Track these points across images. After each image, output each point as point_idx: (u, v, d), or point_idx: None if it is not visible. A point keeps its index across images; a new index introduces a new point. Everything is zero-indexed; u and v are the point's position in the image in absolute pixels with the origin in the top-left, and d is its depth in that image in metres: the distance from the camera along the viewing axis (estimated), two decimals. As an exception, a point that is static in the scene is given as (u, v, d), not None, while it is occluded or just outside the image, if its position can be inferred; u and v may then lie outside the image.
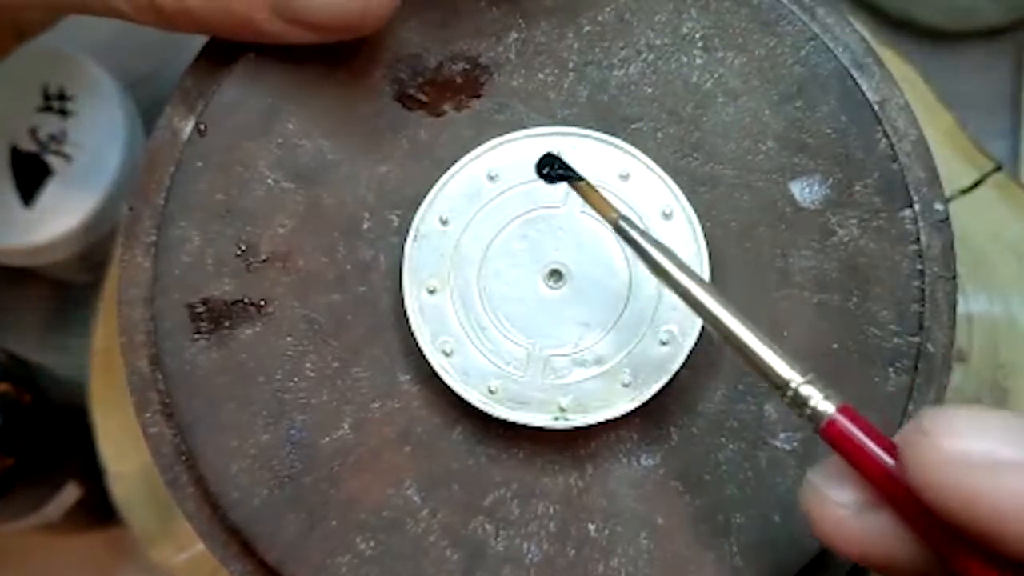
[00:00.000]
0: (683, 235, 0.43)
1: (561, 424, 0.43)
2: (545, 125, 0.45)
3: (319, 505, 0.44)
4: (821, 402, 0.36)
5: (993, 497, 0.32)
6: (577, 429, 0.43)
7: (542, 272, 0.44)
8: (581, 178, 0.43)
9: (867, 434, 0.35)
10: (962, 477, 0.32)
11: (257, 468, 0.44)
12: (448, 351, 0.43)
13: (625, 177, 0.44)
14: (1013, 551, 0.32)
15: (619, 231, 0.41)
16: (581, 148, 0.44)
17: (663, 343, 0.43)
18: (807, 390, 0.36)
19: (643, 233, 0.40)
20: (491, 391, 0.43)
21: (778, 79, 0.45)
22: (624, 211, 0.42)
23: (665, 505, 0.44)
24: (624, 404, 0.43)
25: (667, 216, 0.43)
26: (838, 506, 0.36)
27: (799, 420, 0.36)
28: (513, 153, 0.44)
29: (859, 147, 0.45)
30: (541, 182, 0.44)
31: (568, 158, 0.44)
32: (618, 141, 0.44)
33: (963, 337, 0.63)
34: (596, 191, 0.43)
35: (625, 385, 0.43)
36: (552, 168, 0.44)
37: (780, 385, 0.36)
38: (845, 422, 0.35)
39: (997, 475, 0.32)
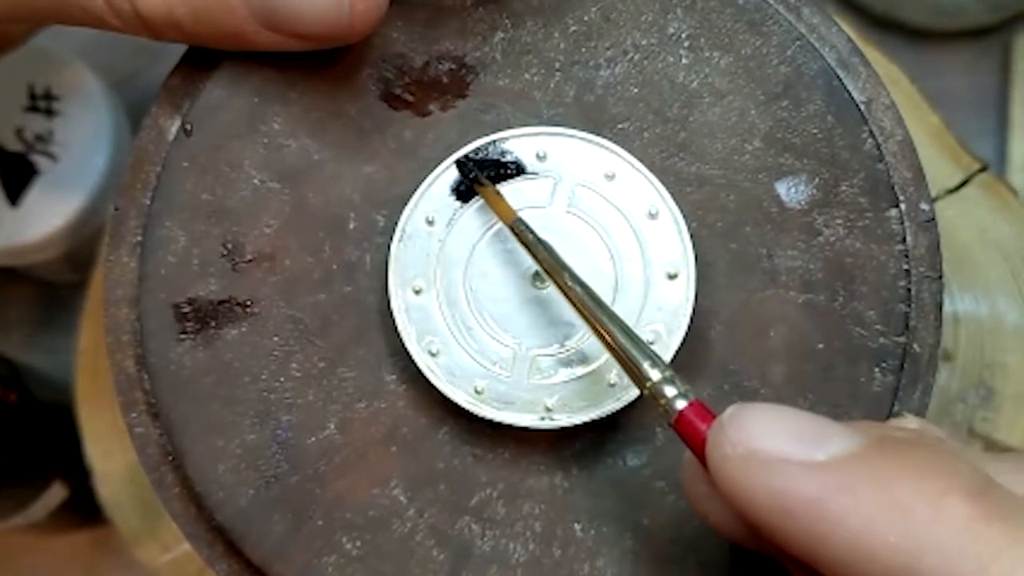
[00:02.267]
0: (669, 234, 0.43)
1: (547, 424, 0.43)
2: (531, 125, 0.45)
3: (305, 505, 0.44)
4: (676, 398, 0.36)
5: (770, 494, 0.32)
6: (563, 429, 0.43)
7: (528, 272, 0.44)
8: (483, 182, 0.44)
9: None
10: (746, 473, 0.33)
11: (243, 468, 0.44)
12: (434, 351, 0.43)
13: (611, 177, 0.44)
14: (795, 551, 0.32)
15: (513, 231, 0.43)
16: (567, 148, 0.44)
17: (649, 343, 0.43)
18: (665, 386, 0.37)
19: (534, 234, 0.42)
20: (477, 391, 0.43)
21: (764, 79, 0.45)
22: (602, 211, 0.42)
23: (650, 505, 0.44)
24: (610, 404, 0.43)
25: (653, 216, 0.43)
26: (703, 485, 0.37)
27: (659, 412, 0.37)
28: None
29: (845, 147, 0.45)
30: (527, 181, 0.44)
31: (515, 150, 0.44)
32: (604, 141, 0.44)
33: (949, 337, 0.63)
34: (498, 195, 0.44)
35: (611, 385, 0.43)
36: (464, 175, 0.45)
37: (641, 380, 0.37)
38: (692, 417, 0.36)
39: (778, 473, 0.32)
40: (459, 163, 0.44)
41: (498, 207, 0.43)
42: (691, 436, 0.36)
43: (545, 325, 0.44)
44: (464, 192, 0.44)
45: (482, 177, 0.44)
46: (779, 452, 0.32)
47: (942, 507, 0.30)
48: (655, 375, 0.37)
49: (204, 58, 0.46)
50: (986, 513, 0.30)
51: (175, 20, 0.43)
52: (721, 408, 0.34)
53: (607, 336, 0.39)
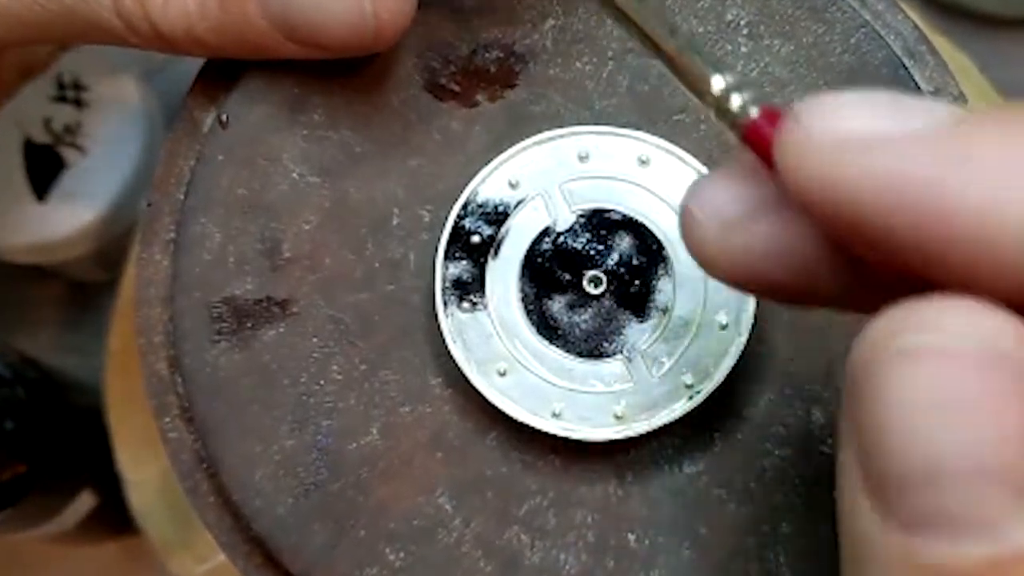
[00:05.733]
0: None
1: (623, 434, 0.42)
2: (583, 116, 0.44)
3: (347, 514, 0.43)
4: (748, 106, 0.32)
5: (875, 179, 0.28)
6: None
7: (585, 275, 0.43)
8: None
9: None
10: (840, 161, 0.28)
11: (281, 475, 0.43)
12: (502, 371, 0.43)
13: (645, 162, 0.43)
14: (895, 245, 0.28)
15: None
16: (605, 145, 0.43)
17: (722, 326, 0.42)
18: (732, 96, 0.32)
19: None
20: (554, 414, 0.42)
21: (827, 68, 0.44)
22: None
23: (708, 514, 0.43)
24: (680, 405, 0.42)
25: None
26: (721, 218, 0.32)
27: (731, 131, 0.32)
28: (540, 156, 0.43)
29: (911, 139, 0.44)
30: (574, 182, 0.43)
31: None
32: (638, 133, 0.43)
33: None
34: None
35: (688, 386, 0.42)
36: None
37: (705, 91, 0.32)
38: (763, 124, 0.31)
39: (883, 152, 0.28)
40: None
41: None
42: (759, 143, 0.31)
43: (603, 330, 0.43)
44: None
45: None
46: (878, 131, 0.28)
47: None
48: (721, 84, 0.32)
49: (241, 47, 0.45)
50: None
51: (196, 36, 0.43)
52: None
53: (670, 51, 0.33)
